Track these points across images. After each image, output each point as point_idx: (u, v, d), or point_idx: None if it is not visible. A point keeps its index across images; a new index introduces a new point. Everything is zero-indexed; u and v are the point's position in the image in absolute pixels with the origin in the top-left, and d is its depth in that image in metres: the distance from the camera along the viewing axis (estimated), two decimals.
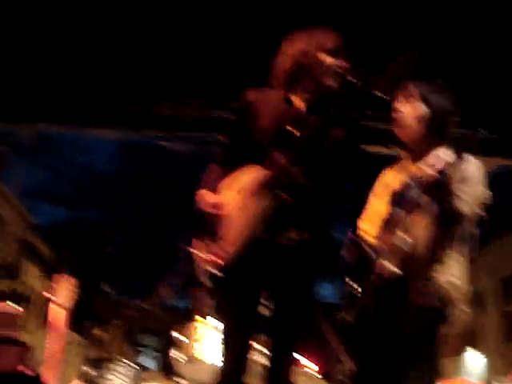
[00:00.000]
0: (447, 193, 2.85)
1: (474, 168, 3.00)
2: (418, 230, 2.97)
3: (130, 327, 6.14)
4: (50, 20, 6.42)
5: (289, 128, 3.04)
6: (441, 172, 2.81)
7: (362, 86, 2.81)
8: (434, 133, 3.13)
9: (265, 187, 2.97)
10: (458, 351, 26.07)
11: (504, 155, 7.84)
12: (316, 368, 6.57)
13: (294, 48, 3.16)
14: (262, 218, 2.97)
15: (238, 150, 3.21)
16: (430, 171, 2.83)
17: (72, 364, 5.46)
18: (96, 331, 5.26)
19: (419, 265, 2.96)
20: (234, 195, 3.11)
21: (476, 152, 2.86)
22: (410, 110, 3.11)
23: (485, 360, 27.93)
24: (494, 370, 24.92)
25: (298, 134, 2.97)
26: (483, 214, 3.02)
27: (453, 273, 3.02)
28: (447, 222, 2.91)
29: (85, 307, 5.95)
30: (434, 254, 2.97)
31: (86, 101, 7.46)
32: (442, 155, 3.00)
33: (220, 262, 3.04)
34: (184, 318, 6.15)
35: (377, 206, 3.18)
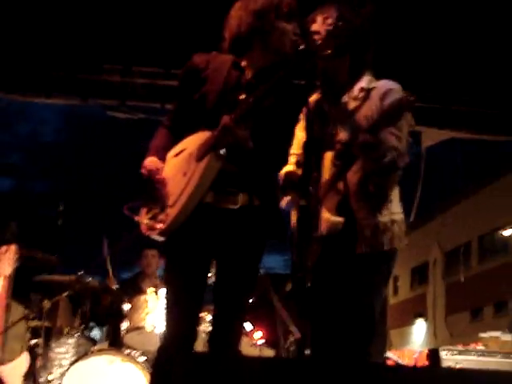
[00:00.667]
0: (384, 151, 2.86)
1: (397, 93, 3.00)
2: (352, 178, 2.98)
3: (79, 299, 6.01)
4: None
5: (236, 94, 2.98)
6: (373, 130, 2.78)
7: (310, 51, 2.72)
8: (351, 58, 3.15)
9: (207, 148, 2.90)
10: None
11: (450, 127, 7.95)
12: (260, 335, 6.59)
13: (247, 10, 3.04)
14: (205, 180, 2.90)
15: (186, 115, 3.15)
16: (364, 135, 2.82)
17: (20, 337, 5.34)
18: (44, 303, 5.15)
19: (359, 210, 3.00)
20: (176, 159, 3.07)
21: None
22: (324, 33, 3.07)
23: (431, 330, 28.56)
24: (441, 339, 25.52)
25: (245, 98, 2.89)
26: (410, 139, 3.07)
27: (393, 210, 3.08)
28: (387, 172, 2.94)
29: (31, 279, 5.84)
30: (375, 198, 3.02)
31: (31, 68, 7.28)
32: (366, 85, 3.05)
33: (161, 227, 2.99)
34: (135, 289, 6.10)
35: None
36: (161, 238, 3.06)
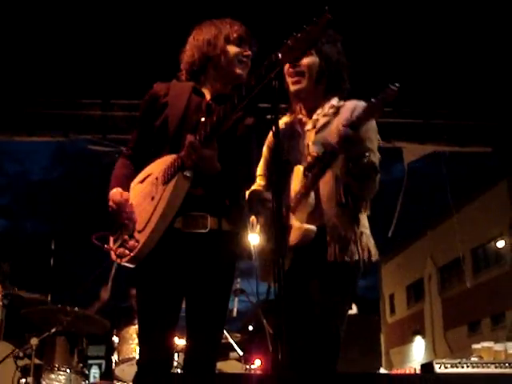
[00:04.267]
0: (364, 148, 2.89)
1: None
2: (323, 188, 3.03)
3: (72, 335, 5.97)
4: None
5: (197, 117, 3.02)
6: (354, 126, 2.82)
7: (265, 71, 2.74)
8: (328, 83, 3.20)
9: (174, 169, 2.89)
10: None
11: (434, 141, 8.00)
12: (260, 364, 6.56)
13: (200, 40, 3.16)
14: (174, 201, 2.89)
15: (148, 143, 3.16)
16: (345, 129, 2.84)
17: (9, 376, 5.29)
18: (32, 341, 5.10)
19: (329, 219, 3.01)
20: (141, 185, 3.07)
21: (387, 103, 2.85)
22: (306, 62, 3.15)
23: (430, 346, 28.48)
24: (440, 355, 25.42)
25: (207, 119, 2.90)
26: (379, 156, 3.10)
27: (363, 223, 3.11)
28: (368, 173, 2.95)
29: (22, 317, 5.80)
30: (345, 208, 3.03)
31: (12, 107, 7.32)
32: (336, 103, 3.10)
33: (132, 254, 2.95)
34: (125, 321, 6.06)
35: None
36: (131, 265, 3.01)
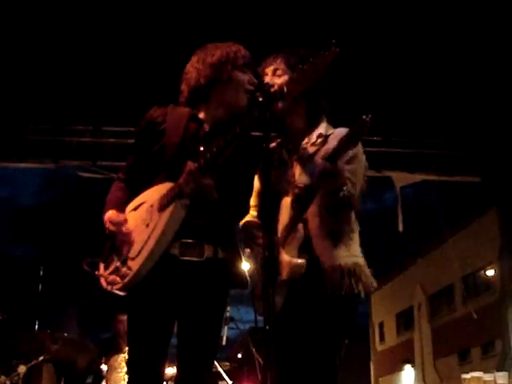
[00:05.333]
0: (342, 181, 2.86)
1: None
2: (312, 220, 3.00)
3: (60, 363, 5.93)
4: None
5: (195, 145, 2.98)
6: (331, 158, 2.79)
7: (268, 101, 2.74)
8: (307, 103, 3.16)
9: (171, 197, 2.86)
10: None
11: (424, 170, 8.05)
12: None
13: (205, 63, 3.09)
14: (169, 229, 2.85)
15: (143, 169, 3.12)
16: (323, 163, 2.82)
17: None
18: (19, 368, 5.07)
19: (322, 252, 2.99)
20: (136, 212, 3.02)
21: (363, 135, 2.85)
22: (279, 82, 3.05)
23: (420, 375, 28.37)
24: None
25: (207, 149, 2.87)
26: (366, 185, 3.08)
27: (354, 253, 3.08)
28: (342, 207, 2.94)
29: (9, 345, 5.76)
30: (336, 239, 3.02)
31: (3, 133, 7.33)
32: (324, 131, 3.09)
33: (124, 281, 2.90)
34: (113, 349, 6.02)
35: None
36: (122, 293, 2.96)
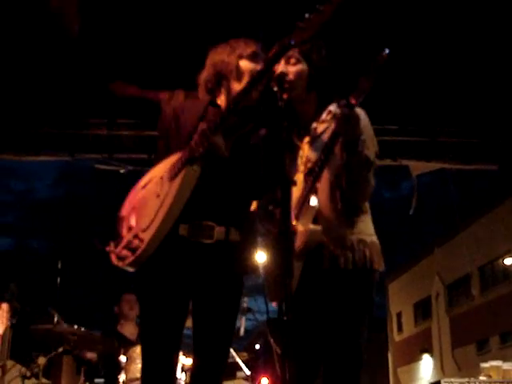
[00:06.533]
0: (358, 132, 2.85)
1: (365, 116, 3.03)
2: (321, 194, 2.99)
3: (79, 354, 5.97)
4: None
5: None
6: (350, 105, 2.78)
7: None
8: (319, 90, 3.18)
9: (182, 163, 2.81)
10: None
11: (440, 159, 8.01)
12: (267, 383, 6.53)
13: (215, 59, 3.16)
14: (180, 196, 2.79)
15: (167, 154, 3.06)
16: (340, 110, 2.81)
17: None
18: (39, 360, 5.11)
19: (327, 225, 2.98)
20: (145, 189, 2.99)
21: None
22: (293, 70, 3.11)
23: (438, 364, 28.33)
24: (448, 373, 25.27)
25: (215, 112, 2.92)
26: (377, 163, 3.06)
27: (360, 230, 3.07)
28: (359, 168, 2.92)
29: (29, 336, 5.81)
30: (344, 214, 3.01)
31: (19, 127, 7.36)
32: (334, 109, 3.09)
33: (133, 254, 2.83)
34: (130, 341, 6.06)
35: None
36: (131, 269, 2.88)
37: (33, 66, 6.58)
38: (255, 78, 2.82)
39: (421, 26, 6.32)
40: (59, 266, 6.69)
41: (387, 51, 2.76)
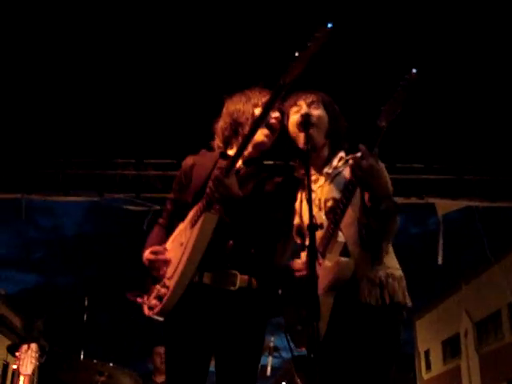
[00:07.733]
0: (385, 178, 2.91)
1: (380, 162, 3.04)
2: (346, 230, 2.99)
3: None
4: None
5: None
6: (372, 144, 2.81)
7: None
8: (333, 139, 3.29)
9: (199, 212, 2.94)
10: None
11: (466, 196, 8.00)
12: None
13: (230, 109, 3.28)
14: (201, 240, 2.90)
15: (180, 215, 3.19)
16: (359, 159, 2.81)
17: None
18: None
19: (356, 262, 2.98)
20: (173, 243, 3.11)
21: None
22: (316, 113, 3.21)
23: None
24: None
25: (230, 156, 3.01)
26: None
27: (389, 264, 3.07)
28: (388, 215, 2.93)
29: (54, 375, 5.83)
30: (370, 250, 3.01)
31: (48, 168, 7.49)
32: (345, 155, 3.20)
33: (160, 303, 2.95)
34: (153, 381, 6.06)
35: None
36: (160, 318, 2.99)
37: (62, 108, 6.71)
38: (256, 122, 2.94)
39: (448, 61, 6.36)
40: (86, 303, 6.74)
41: (415, 70, 2.77)
